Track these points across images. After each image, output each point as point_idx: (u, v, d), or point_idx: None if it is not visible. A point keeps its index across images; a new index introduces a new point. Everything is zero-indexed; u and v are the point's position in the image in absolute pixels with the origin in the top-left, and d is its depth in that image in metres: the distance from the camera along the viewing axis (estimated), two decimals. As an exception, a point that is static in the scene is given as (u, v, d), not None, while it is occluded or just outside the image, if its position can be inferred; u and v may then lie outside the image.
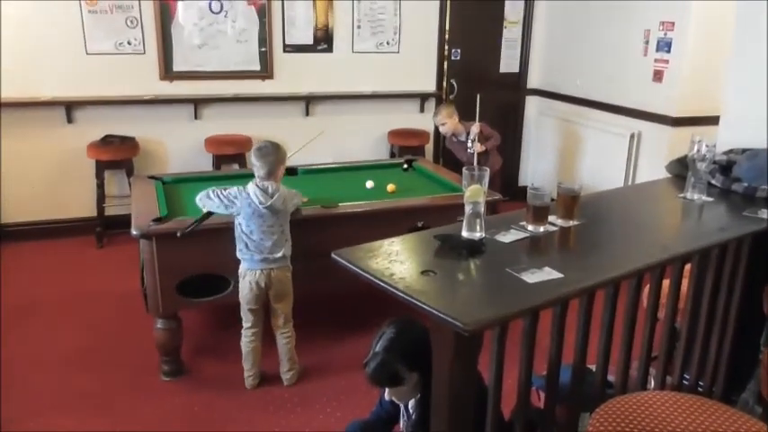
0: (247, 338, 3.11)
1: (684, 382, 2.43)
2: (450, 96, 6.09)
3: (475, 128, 4.56)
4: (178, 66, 5.16)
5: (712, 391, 2.46)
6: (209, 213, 3.01)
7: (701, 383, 2.46)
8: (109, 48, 4.94)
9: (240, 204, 2.93)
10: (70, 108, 4.94)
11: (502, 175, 4.86)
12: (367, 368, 2.12)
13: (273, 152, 2.98)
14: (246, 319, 3.09)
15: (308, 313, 3.90)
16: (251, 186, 2.95)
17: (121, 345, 3.52)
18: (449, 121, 4.70)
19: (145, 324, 3.40)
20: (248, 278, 3.00)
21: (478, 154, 4.50)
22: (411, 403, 2.21)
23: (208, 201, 2.99)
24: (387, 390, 2.18)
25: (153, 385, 3.17)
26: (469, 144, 4.59)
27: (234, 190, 2.97)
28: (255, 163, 2.96)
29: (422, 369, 2.03)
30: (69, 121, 4.97)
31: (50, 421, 2.84)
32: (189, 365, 3.32)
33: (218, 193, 2.97)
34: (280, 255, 2.99)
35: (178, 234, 2.94)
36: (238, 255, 3.01)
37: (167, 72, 5.14)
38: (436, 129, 6.08)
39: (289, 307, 3.14)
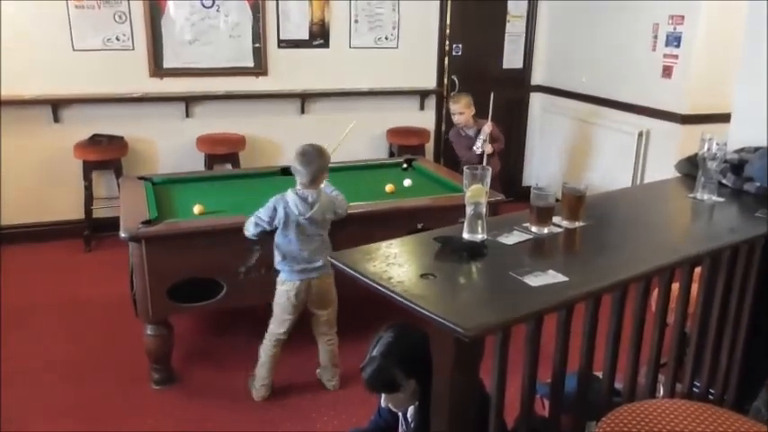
0: (271, 343, 3.06)
1: (695, 389, 2.42)
2: (452, 93, 6.09)
3: (487, 127, 4.53)
4: (168, 62, 5.15)
5: (724, 398, 2.46)
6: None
7: (711, 391, 2.46)
8: (96, 44, 4.94)
9: (280, 213, 2.90)
10: (56, 107, 4.94)
11: (502, 177, 4.82)
12: (363, 373, 2.11)
13: (318, 158, 2.91)
14: (277, 326, 3.05)
15: (304, 318, 3.90)
16: (290, 195, 2.91)
17: (110, 352, 3.52)
18: (466, 112, 4.65)
19: (134, 330, 3.40)
20: (286, 287, 2.97)
21: (482, 156, 4.49)
22: (410, 412, 2.21)
23: (257, 228, 2.95)
24: (383, 396, 2.18)
25: (143, 394, 3.16)
26: (479, 144, 4.56)
27: (272, 200, 2.93)
28: (299, 169, 2.89)
29: (420, 376, 2.03)
30: (56, 120, 4.97)
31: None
32: (180, 373, 3.31)
33: (260, 214, 2.93)
34: (320, 263, 2.96)
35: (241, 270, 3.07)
36: (276, 265, 2.98)
37: (157, 69, 5.13)
38: (437, 126, 6.13)
39: (334, 313, 3.13)
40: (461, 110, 4.65)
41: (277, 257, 2.97)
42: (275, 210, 2.91)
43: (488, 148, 4.51)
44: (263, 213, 2.94)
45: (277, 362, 3.10)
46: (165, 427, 2.92)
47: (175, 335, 3.28)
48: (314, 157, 2.91)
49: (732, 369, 2.44)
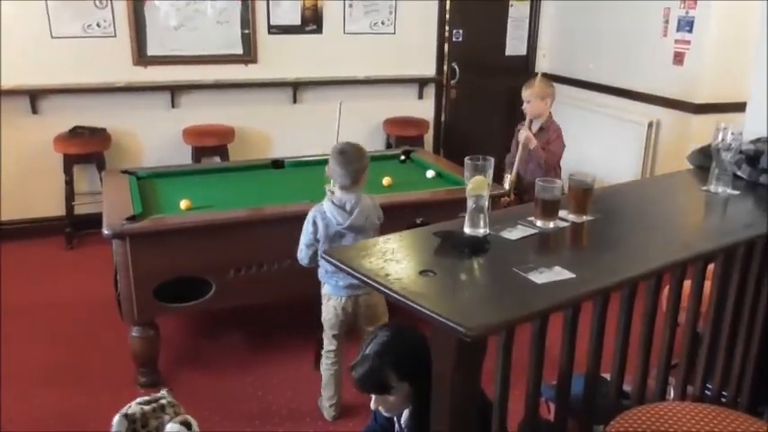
0: (329, 361, 2.98)
1: (707, 392, 2.43)
2: (452, 82, 6.09)
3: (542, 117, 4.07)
4: (153, 50, 5.13)
5: (737, 401, 2.46)
6: None
7: (724, 394, 2.46)
8: (76, 30, 4.92)
9: (320, 227, 2.81)
10: (35, 97, 4.93)
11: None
12: (354, 372, 2.12)
13: (359, 157, 2.80)
14: (328, 342, 2.99)
15: (297, 317, 3.90)
16: (327, 204, 2.81)
17: (94, 355, 3.52)
18: (535, 102, 4.08)
19: (119, 332, 3.40)
20: (332, 303, 2.90)
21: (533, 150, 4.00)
22: (404, 416, 2.21)
23: (309, 250, 2.87)
24: (373, 398, 2.18)
25: (128, 398, 3.13)
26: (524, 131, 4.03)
27: (309, 214, 2.84)
28: (338, 171, 2.77)
29: (414, 379, 2.03)
30: (34, 111, 4.96)
31: (15, 439, 2.84)
32: (167, 377, 3.31)
33: (303, 239, 2.86)
34: None
35: None
36: (320, 277, 2.91)
37: (141, 57, 5.12)
38: (437, 116, 6.12)
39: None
40: (529, 97, 4.11)
41: (321, 270, 2.89)
42: (314, 224, 2.82)
43: (530, 140, 3.99)
44: (304, 236, 2.85)
45: (341, 378, 3.01)
46: None
47: (162, 337, 3.28)
48: (354, 155, 2.79)
49: (746, 371, 2.44)
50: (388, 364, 2.06)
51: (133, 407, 2.09)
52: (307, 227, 2.85)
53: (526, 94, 4.16)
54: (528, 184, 3.99)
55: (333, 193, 2.88)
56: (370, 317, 2.93)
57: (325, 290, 2.93)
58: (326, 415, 3.03)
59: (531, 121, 4.15)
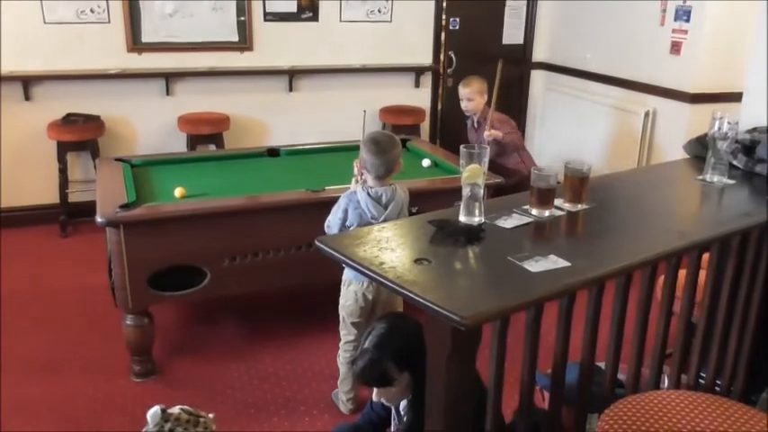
0: (347, 353, 2.87)
1: (701, 380, 2.44)
2: (449, 71, 6.07)
3: (490, 111, 4.26)
4: (147, 36, 5.10)
5: (731, 390, 2.48)
6: None
7: (718, 382, 2.48)
8: (69, 16, 4.87)
9: (351, 216, 2.72)
10: (27, 84, 4.89)
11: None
12: (355, 366, 2.12)
13: (393, 146, 2.71)
14: (348, 332, 2.89)
15: (292, 306, 3.91)
16: (362, 195, 2.71)
17: (88, 343, 3.51)
18: (477, 99, 4.35)
19: (114, 320, 3.39)
20: (354, 288, 2.81)
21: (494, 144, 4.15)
22: (402, 405, 2.22)
23: (339, 232, 2.74)
24: (375, 391, 2.19)
25: (123, 387, 3.16)
26: (486, 134, 4.21)
27: (342, 199, 2.76)
28: (372, 161, 2.68)
29: (413, 369, 2.04)
30: (27, 98, 4.92)
31: (10, 429, 2.83)
32: (162, 365, 3.31)
33: (333, 218, 2.77)
34: None
35: None
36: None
37: (135, 43, 5.08)
38: (433, 105, 6.10)
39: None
40: (472, 95, 4.35)
41: None
42: (345, 211, 2.73)
43: (492, 134, 4.18)
44: (334, 221, 2.77)
45: None
46: (147, 421, 2.92)
47: (157, 325, 3.27)
48: (388, 144, 2.70)
49: (740, 360, 2.45)
50: (388, 357, 2.06)
51: (176, 409, 2.09)
52: (336, 213, 2.77)
53: (466, 92, 4.38)
54: (512, 171, 4.28)
55: (358, 181, 2.82)
56: (389, 304, 2.87)
57: (347, 275, 2.83)
58: (343, 409, 2.97)
59: (476, 121, 4.43)
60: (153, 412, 2.04)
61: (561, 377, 1.91)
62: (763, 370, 2.55)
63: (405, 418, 2.22)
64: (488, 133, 4.18)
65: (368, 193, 2.71)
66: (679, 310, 2.30)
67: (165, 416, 2.05)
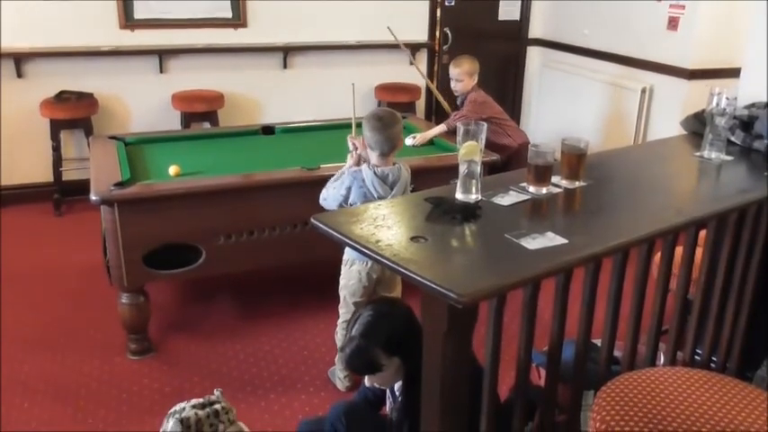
0: (345, 332, 2.80)
1: (696, 357, 2.45)
2: (444, 47, 6.01)
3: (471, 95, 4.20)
4: (140, 13, 5.03)
5: (726, 367, 2.48)
6: None
7: (714, 359, 2.48)
8: (62, -8, 4.81)
9: (355, 193, 2.67)
10: (19, 61, 4.83)
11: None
12: (342, 354, 2.11)
13: (395, 121, 2.67)
14: (347, 311, 2.85)
15: (287, 284, 3.90)
16: (367, 172, 2.66)
17: (83, 322, 3.50)
18: (466, 80, 4.26)
19: (109, 299, 3.38)
20: (357, 267, 2.77)
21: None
22: (397, 386, 2.21)
23: (337, 208, 2.67)
24: (366, 377, 2.18)
25: (119, 365, 3.15)
26: (409, 142, 3.96)
27: (346, 177, 2.70)
28: (377, 137, 2.63)
29: (403, 353, 2.03)
30: (19, 75, 4.87)
31: (7, 406, 2.83)
32: (158, 344, 3.31)
33: (333, 192, 2.71)
34: None
35: None
36: None
37: (128, 20, 5.02)
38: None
39: (399, 294, 2.93)
40: (462, 76, 4.25)
41: None
42: (349, 189, 2.68)
43: (422, 140, 3.98)
44: (334, 196, 2.71)
45: None
46: (143, 398, 2.92)
47: (152, 304, 3.26)
48: (390, 119, 2.66)
49: (735, 337, 2.46)
50: (375, 344, 2.05)
51: (187, 410, 2.07)
52: (339, 188, 2.71)
53: (455, 72, 4.28)
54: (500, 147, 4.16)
55: (356, 152, 2.77)
56: (391, 282, 2.86)
57: (349, 254, 2.80)
58: (340, 386, 2.97)
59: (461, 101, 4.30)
60: (173, 425, 2.02)
61: (557, 354, 1.90)
62: (759, 346, 2.55)
63: (399, 399, 2.22)
64: (411, 143, 3.96)
65: (374, 172, 2.67)
66: (675, 287, 2.30)
67: (186, 424, 2.04)
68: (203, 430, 2.06)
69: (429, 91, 6.05)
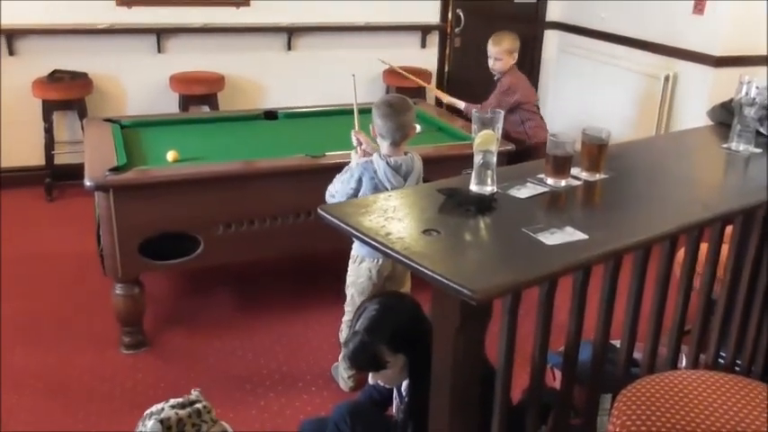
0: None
1: (720, 360, 2.43)
2: (457, 30, 5.98)
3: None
4: (137, -11, 5.03)
5: (751, 370, 2.47)
6: None
7: (738, 362, 2.47)
8: (55, -34, 4.80)
9: (366, 186, 2.63)
10: (11, 38, 4.84)
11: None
12: (345, 349, 2.11)
13: (407, 107, 2.64)
14: (354, 310, 2.74)
15: (290, 277, 3.90)
16: (379, 162, 2.62)
17: (76, 313, 3.51)
18: (506, 58, 4.19)
19: (102, 289, 3.39)
20: (366, 265, 2.73)
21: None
22: (404, 385, 2.21)
23: (344, 201, 2.58)
24: (370, 375, 2.18)
25: (112, 359, 3.16)
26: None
27: (355, 169, 2.66)
28: (388, 125, 2.60)
29: (409, 350, 2.02)
30: (11, 53, 4.87)
31: (-6, 399, 2.85)
32: (153, 337, 3.31)
33: (340, 189, 2.66)
34: None
35: None
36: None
37: (125, -4, 5.01)
38: (440, 66, 6.03)
39: (408, 290, 2.90)
40: (501, 54, 4.20)
41: None
42: (360, 181, 2.63)
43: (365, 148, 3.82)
44: (343, 189, 2.67)
45: None
46: (137, 394, 2.93)
47: (148, 295, 3.27)
48: (402, 106, 2.63)
49: (761, 338, 2.44)
50: (380, 340, 2.04)
51: (166, 410, 2.07)
52: (348, 182, 2.66)
53: (495, 50, 4.22)
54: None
55: (361, 148, 2.77)
56: (400, 279, 2.84)
57: (358, 251, 2.76)
58: (343, 386, 2.96)
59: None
60: (152, 425, 2.02)
61: (574, 355, 1.89)
62: (785, 350, 2.54)
63: (406, 398, 2.21)
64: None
65: (387, 162, 2.64)
66: (699, 285, 2.29)
67: (166, 425, 2.03)
68: (185, 430, 2.06)
69: (441, 76, 6.03)
